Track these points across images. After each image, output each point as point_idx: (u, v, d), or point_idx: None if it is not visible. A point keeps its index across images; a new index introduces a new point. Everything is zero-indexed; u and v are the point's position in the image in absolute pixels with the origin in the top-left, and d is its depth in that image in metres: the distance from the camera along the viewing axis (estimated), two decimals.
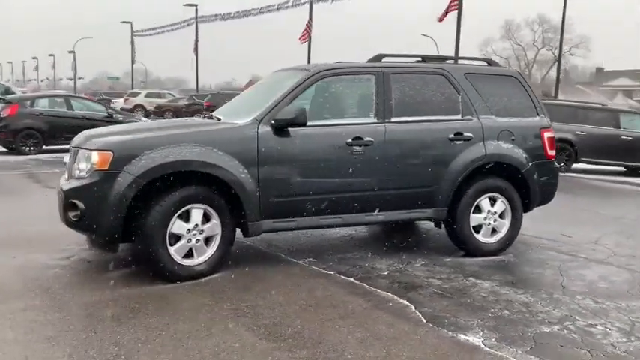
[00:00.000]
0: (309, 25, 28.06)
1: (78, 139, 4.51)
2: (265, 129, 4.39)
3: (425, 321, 3.60)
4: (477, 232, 5.14)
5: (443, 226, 5.24)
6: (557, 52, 63.17)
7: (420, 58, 5.33)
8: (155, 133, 4.33)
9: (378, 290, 4.14)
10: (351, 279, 4.40)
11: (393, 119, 4.79)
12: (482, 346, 3.25)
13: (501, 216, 5.22)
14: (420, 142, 4.89)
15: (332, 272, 4.55)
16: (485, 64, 5.57)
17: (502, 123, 5.18)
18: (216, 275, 4.30)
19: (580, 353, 3.21)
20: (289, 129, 4.42)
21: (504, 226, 5.24)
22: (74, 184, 4.13)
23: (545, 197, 5.49)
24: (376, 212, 4.80)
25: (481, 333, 3.43)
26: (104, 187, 3.99)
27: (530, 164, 5.22)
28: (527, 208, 5.37)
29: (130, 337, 3.18)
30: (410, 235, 6.04)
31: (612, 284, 4.54)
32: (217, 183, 4.24)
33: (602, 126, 13.15)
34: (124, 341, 3.12)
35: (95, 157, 4.05)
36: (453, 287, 4.29)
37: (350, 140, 4.60)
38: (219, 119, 4.81)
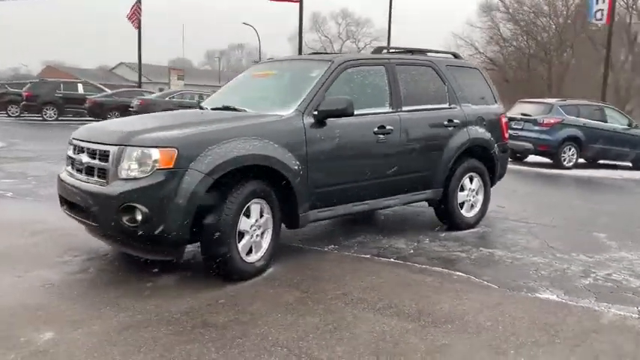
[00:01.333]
0: (138, 6, 26.24)
1: (109, 134, 4.00)
2: (309, 120, 4.40)
3: (499, 287, 4.05)
4: (461, 208, 5.75)
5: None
6: (360, 44, 68.48)
7: (410, 52, 5.73)
8: (210, 127, 4.04)
9: (429, 267, 4.47)
10: (391, 259, 4.66)
11: (403, 108, 5.12)
12: (564, 301, 3.81)
13: (477, 192, 5.90)
14: (424, 129, 5.30)
15: (368, 256, 4.75)
16: (452, 57, 6.17)
17: (477, 110, 5.84)
18: (270, 270, 4.22)
19: (629, 296, 3.96)
20: (327, 120, 4.49)
21: (479, 201, 5.94)
22: (128, 185, 3.69)
23: (502, 173, 6.32)
24: (393, 196, 5.11)
25: (548, 291, 3.98)
26: (170, 187, 3.65)
27: (495, 145, 5.98)
28: (492, 184, 6.14)
29: (283, 336, 3.07)
30: (381, 217, 6.44)
31: (581, 242, 5.50)
32: (271, 176, 4.15)
33: None
34: (282, 341, 3.01)
35: (156, 154, 3.67)
36: (479, 258, 4.81)
37: (376, 129, 4.82)
38: (244, 110, 4.64)
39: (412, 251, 4.93)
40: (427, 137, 5.32)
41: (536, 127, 13.08)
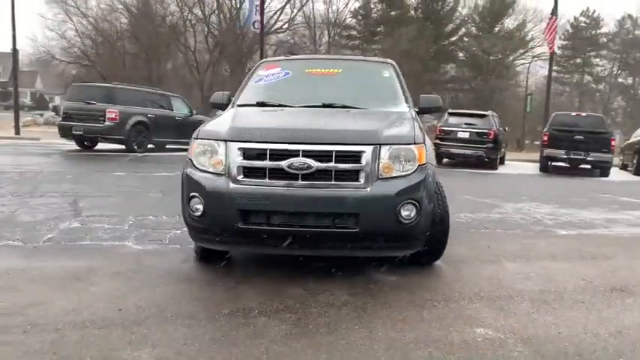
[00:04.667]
0: None
1: (351, 134, 3.93)
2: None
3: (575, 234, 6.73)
4: None
5: None
6: None
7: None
8: (400, 123, 4.25)
9: (502, 230, 6.77)
10: (486, 230, 6.62)
11: None
12: (578, 233, 6.89)
13: None
14: None
15: (474, 230, 6.62)
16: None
17: None
18: None
19: (579, 223, 7.40)
20: None
21: None
22: (401, 183, 3.74)
23: None
24: None
25: (563, 231, 6.99)
26: (428, 181, 3.86)
27: None
28: None
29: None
30: None
31: (489, 205, 8.59)
32: None
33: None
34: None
35: (416, 150, 3.84)
36: (498, 220, 7.35)
37: None
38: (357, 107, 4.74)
39: (471, 221, 7.08)
40: None
41: None
